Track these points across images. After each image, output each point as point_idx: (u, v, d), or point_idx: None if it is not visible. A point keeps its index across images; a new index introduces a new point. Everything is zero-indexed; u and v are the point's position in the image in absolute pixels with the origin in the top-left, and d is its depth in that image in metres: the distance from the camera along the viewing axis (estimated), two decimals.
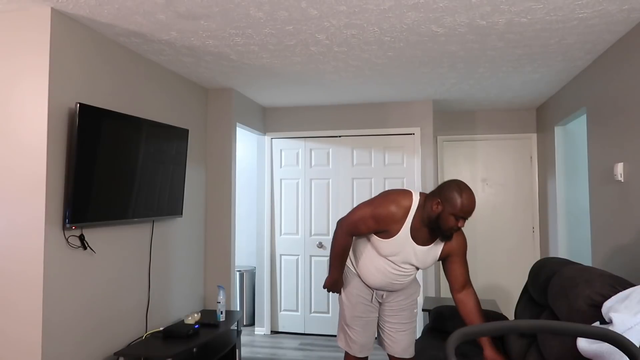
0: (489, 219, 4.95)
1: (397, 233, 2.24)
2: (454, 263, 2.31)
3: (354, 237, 2.48)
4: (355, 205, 4.44)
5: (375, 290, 2.47)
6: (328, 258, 4.36)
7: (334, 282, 2.44)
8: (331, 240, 2.41)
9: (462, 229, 2.45)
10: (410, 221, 2.23)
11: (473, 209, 2.13)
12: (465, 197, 2.12)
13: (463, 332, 1.02)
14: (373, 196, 2.76)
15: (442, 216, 2.15)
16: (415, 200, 2.26)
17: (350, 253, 2.51)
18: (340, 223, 2.34)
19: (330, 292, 2.58)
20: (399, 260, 2.32)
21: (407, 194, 2.27)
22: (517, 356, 2.50)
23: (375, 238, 2.32)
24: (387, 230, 2.25)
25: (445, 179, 5.07)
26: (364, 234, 2.32)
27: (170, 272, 3.45)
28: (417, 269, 2.39)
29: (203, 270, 3.97)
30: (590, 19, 2.49)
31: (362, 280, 2.46)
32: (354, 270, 2.48)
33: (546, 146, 4.52)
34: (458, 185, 2.13)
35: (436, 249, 2.32)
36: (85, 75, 2.58)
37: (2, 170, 2.34)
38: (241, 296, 5.13)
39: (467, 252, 4.94)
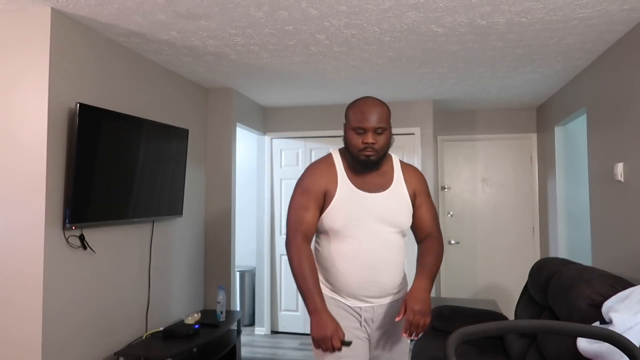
0: (489, 219, 4.95)
1: (336, 189, 1.77)
2: (420, 207, 1.86)
3: (315, 247, 1.86)
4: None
5: (362, 310, 1.79)
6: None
7: (319, 323, 1.62)
8: (290, 266, 1.75)
9: (416, 169, 1.94)
10: (343, 170, 1.81)
11: (368, 113, 1.71)
12: (358, 104, 1.76)
13: (463, 332, 1.02)
14: None
15: (347, 137, 1.78)
16: (336, 150, 1.90)
17: (319, 274, 1.82)
18: (286, 233, 1.80)
19: (326, 350, 1.63)
20: (364, 223, 1.76)
21: (324, 156, 1.91)
22: (517, 356, 2.50)
23: (324, 219, 1.78)
24: (325, 194, 1.77)
25: (446, 179, 5.07)
26: (311, 222, 1.76)
27: (170, 272, 3.45)
28: (399, 231, 1.82)
29: (203, 270, 3.97)
30: (590, 19, 2.49)
31: (341, 301, 1.79)
32: (328, 292, 1.81)
33: (546, 146, 4.52)
34: (355, 99, 1.81)
35: (400, 191, 1.83)
36: (85, 75, 2.58)
37: (2, 170, 2.34)
38: (241, 296, 5.13)
39: (471, 246, 4.99)
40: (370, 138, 1.71)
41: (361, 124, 1.72)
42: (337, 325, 1.64)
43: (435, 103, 4.60)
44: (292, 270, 1.72)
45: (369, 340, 1.82)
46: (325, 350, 1.63)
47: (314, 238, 1.83)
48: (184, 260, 3.65)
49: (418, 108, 4.53)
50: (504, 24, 2.55)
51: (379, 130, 1.73)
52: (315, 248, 1.86)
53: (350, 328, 1.76)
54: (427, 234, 1.87)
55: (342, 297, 1.79)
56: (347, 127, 1.78)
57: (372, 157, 1.74)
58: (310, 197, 1.76)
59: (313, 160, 4.73)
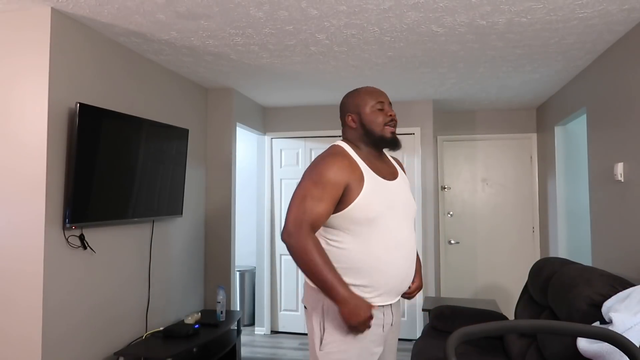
0: (489, 219, 4.95)
1: (363, 181, 1.62)
2: None
3: (335, 247, 1.65)
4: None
5: (385, 312, 1.67)
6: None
7: (354, 310, 1.52)
8: (296, 259, 1.56)
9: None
10: (361, 160, 1.68)
11: (377, 90, 1.78)
12: (361, 89, 1.79)
13: (463, 332, 1.02)
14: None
15: (366, 119, 1.71)
16: (340, 142, 1.78)
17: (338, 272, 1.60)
18: (285, 224, 1.58)
19: (361, 330, 1.57)
20: (396, 212, 1.67)
21: (331, 148, 1.75)
22: (517, 356, 2.50)
23: (354, 210, 1.59)
24: (345, 188, 1.59)
25: (446, 179, 5.07)
26: (322, 214, 1.56)
27: (170, 272, 3.45)
28: (413, 219, 1.81)
29: (203, 270, 3.97)
30: (590, 19, 2.49)
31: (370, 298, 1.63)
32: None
33: (546, 146, 4.52)
34: (352, 90, 1.84)
35: (404, 177, 1.85)
36: (85, 75, 2.58)
37: (2, 170, 2.34)
38: (241, 296, 5.13)
39: (471, 246, 4.99)
40: (391, 110, 1.74)
41: (380, 98, 1.74)
42: (367, 304, 1.55)
43: (435, 103, 4.60)
44: (302, 263, 1.53)
45: (384, 342, 1.72)
46: (363, 331, 1.56)
47: (328, 239, 1.65)
48: (183, 260, 3.65)
49: (418, 108, 4.53)
50: (504, 24, 2.55)
51: (391, 105, 1.80)
52: (336, 248, 1.62)
53: (373, 346, 1.64)
54: None
55: (373, 297, 1.62)
56: (363, 110, 1.72)
57: (395, 133, 1.74)
58: (327, 190, 1.56)
59: (312, 159, 4.74)
